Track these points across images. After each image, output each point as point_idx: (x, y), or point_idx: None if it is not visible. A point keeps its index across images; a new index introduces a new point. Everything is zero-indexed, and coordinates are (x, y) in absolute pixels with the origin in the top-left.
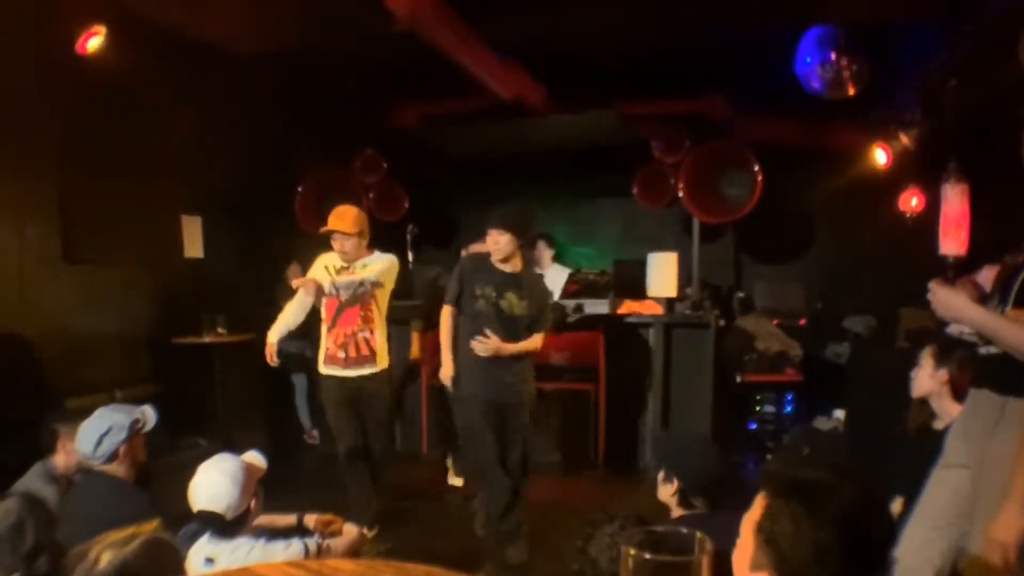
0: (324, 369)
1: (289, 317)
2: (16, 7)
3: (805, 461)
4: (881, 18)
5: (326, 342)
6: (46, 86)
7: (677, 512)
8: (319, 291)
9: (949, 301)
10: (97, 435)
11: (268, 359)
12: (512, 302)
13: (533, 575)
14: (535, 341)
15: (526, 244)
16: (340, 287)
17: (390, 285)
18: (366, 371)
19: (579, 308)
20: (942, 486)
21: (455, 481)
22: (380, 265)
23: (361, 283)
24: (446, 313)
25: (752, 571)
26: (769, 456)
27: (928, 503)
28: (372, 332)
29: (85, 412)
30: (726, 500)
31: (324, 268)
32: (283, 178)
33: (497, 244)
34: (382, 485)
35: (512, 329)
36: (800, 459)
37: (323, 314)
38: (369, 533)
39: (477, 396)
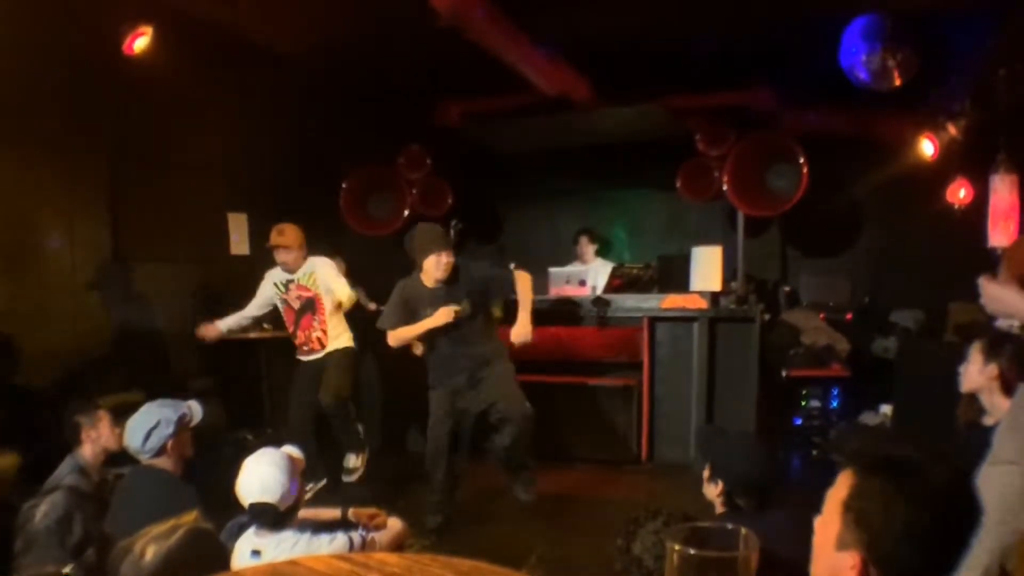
0: (299, 356)
1: (239, 316)
2: (64, 8)
3: (893, 440)
4: (931, 7)
5: (293, 339)
6: (94, 87)
7: (722, 511)
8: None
9: (1000, 295)
10: (145, 429)
11: (202, 334)
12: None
13: (575, 572)
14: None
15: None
16: (291, 301)
17: (338, 283)
18: (317, 355)
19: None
20: (990, 483)
21: None
22: (322, 273)
23: (310, 299)
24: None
25: (838, 550)
26: (815, 452)
27: None
28: (324, 331)
29: (105, 404)
30: (772, 499)
31: (273, 284)
32: (328, 175)
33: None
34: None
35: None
36: (888, 437)
37: (284, 320)
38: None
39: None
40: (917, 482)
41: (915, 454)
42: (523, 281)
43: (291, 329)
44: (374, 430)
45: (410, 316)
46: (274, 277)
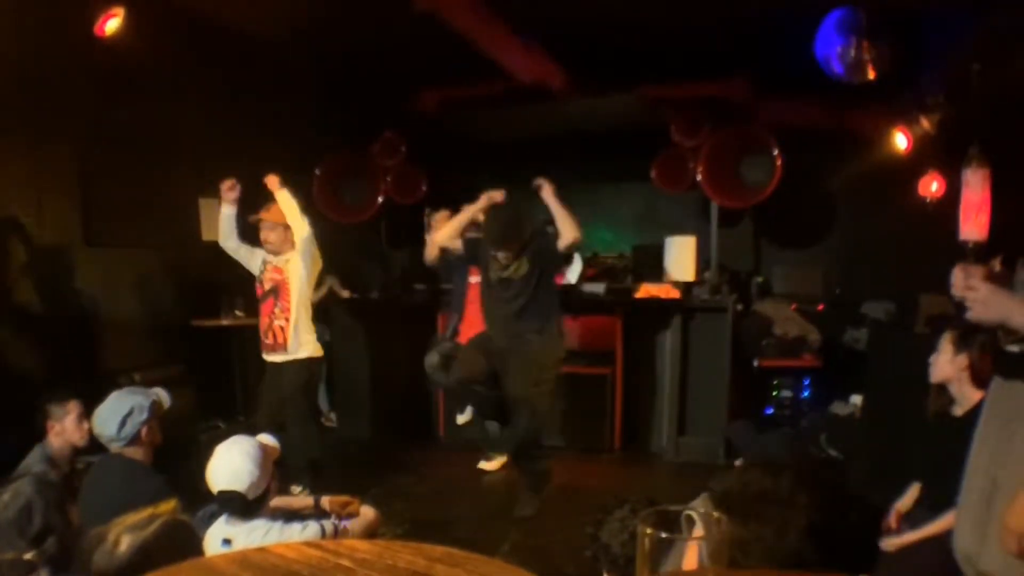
0: (263, 355)
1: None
2: None
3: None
4: (908, 1)
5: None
6: (64, 68)
7: None
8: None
9: (998, 300)
10: (119, 417)
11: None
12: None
13: (548, 559)
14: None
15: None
16: (264, 281)
17: (309, 265)
18: (278, 358)
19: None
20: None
21: (487, 465)
22: (298, 256)
23: (278, 284)
24: None
25: None
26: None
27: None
28: (286, 320)
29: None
30: None
31: (261, 260)
32: (301, 161)
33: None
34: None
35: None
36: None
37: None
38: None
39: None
40: (779, 529)
41: (782, 495)
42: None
43: (258, 309)
44: (363, 419)
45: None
46: (261, 255)
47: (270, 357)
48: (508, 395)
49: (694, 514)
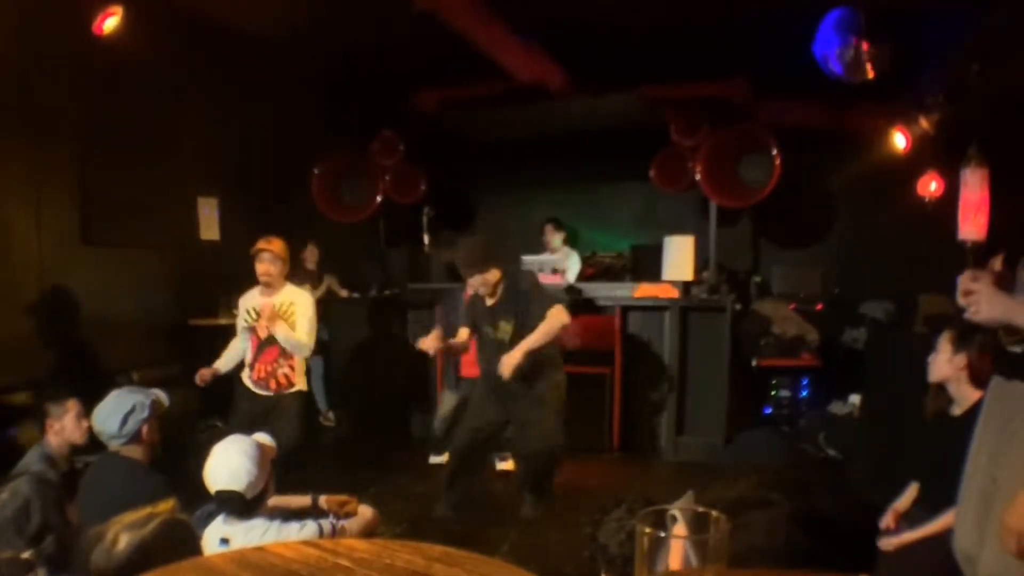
0: (246, 382)
1: (232, 353)
2: None
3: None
4: (907, 1)
5: (249, 371)
6: (62, 67)
7: None
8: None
9: (1001, 300)
10: (121, 414)
11: (199, 380)
12: (502, 329)
13: (546, 559)
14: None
15: (495, 266)
16: (259, 329)
17: (308, 323)
18: (276, 394)
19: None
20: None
21: (505, 466)
22: (301, 304)
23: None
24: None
25: None
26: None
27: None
28: (292, 367)
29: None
30: None
31: (246, 311)
32: (300, 160)
33: (475, 285)
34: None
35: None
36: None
37: (246, 350)
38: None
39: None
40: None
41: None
42: (549, 321)
43: (250, 359)
44: (361, 418)
45: (472, 326)
46: (247, 302)
47: (261, 391)
48: (521, 438)
49: (677, 512)
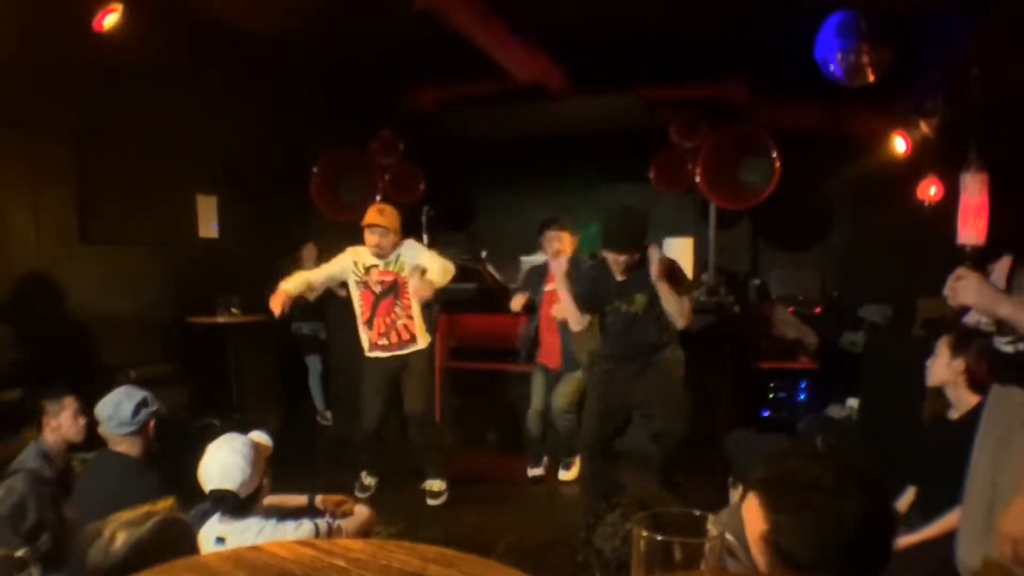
0: (369, 354)
1: (314, 277)
2: None
3: (804, 466)
4: (907, 5)
5: (367, 334)
6: (62, 64)
7: None
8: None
9: (984, 289)
10: (134, 403)
11: (274, 306)
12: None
13: (542, 560)
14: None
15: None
16: (371, 284)
17: (428, 255)
18: (408, 350)
19: None
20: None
21: (567, 475)
22: (409, 253)
23: (393, 282)
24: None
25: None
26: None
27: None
28: (411, 317)
29: (68, 389)
30: None
31: (353, 263)
32: (299, 158)
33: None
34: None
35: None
36: (796, 462)
37: (358, 308)
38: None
39: None
40: (835, 518)
41: (831, 484)
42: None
43: (366, 316)
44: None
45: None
46: (356, 255)
47: (389, 353)
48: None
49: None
